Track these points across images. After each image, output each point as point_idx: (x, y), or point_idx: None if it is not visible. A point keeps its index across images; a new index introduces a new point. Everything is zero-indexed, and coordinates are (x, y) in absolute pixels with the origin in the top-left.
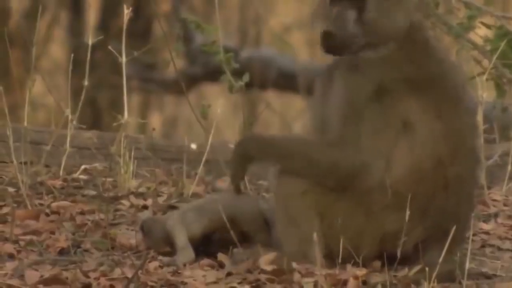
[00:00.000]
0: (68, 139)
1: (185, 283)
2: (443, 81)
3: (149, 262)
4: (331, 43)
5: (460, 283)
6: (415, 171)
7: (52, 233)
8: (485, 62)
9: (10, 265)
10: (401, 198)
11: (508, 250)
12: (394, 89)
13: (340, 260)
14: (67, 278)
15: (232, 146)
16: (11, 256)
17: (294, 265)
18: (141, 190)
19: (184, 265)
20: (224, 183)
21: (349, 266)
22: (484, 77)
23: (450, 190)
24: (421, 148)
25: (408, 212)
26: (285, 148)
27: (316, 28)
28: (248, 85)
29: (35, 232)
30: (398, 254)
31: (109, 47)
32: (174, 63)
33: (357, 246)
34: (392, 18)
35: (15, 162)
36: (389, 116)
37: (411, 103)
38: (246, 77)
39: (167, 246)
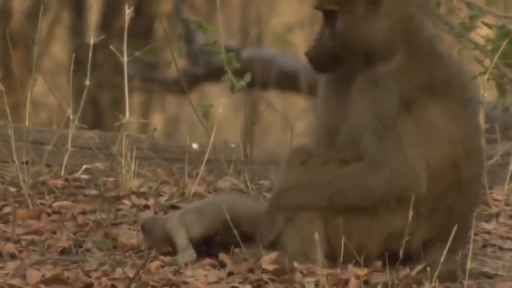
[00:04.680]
0: (70, 139)
1: (187, 283)
2: (453, 84)
3: (151, 261)
4: (313, 64)
5: (461, 283)
6: (431, 174)
7: (54, 233)
8: (487, 62)
9: (11, 265)
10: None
11: (509, 249)
12: (416, 97)
13: (341, 260)
14: (68, 278)
15: (233, 146)
16: (12, 256)
17: (296, 264)
18: (142, 190)
19: (186, 264)
20: (225, 183)
21: (350, 266)
22: (486, 77)
23: (460, 191)
24: (440, 151)
25: (411, 212)
26: (332, 187)
27: None
28: (250, 85)
29: (37, 232)
30: (401, 254)
31: (111, 47)
32: (175, 63)
33: (362, 246)
34: (365, 31)
35: (16, 161)
36: (420, 124)
37: (434, 109)
38: (247, 77)
39: (169, 246)
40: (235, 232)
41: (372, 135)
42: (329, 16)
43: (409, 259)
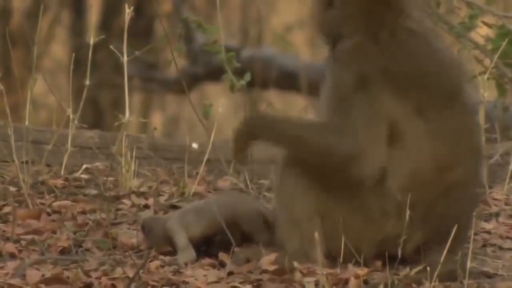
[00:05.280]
0: (70, 138)
1: (187, 283)
2: (434, 78)
3: (151, 261)
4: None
5: (461, 282)
6: (414, 179)
7: (54, 232)
8: (487, 62)
9: (11, 265)
10: (401, 205)
11: (509, 249)
12: (375, 80)
13: (341, 260)
14: (68, 277)
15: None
16: (12, 256)
17: (296, 264)
18: (142, 189)
19: (186, 264)
20: (225, 182)
21: (350, 266)
22: (486, 76)
23: (451, 196)
24: (416, 153)
25: (408, 213)
26: (285, 129)
27: None
28: (250, 85)
29: (37, 232)
30: (399, 254)
31: (111, 46)
32: (175, 63)
33: (357, 248)
34: (323, 20)
35: (16, 161)
36: (375, 108)
37: (392, 98)
38: (247, 77)
39: (168, 246)
40: (229, 234)
41: (329, 105)
42: None
43: (409, 260)
